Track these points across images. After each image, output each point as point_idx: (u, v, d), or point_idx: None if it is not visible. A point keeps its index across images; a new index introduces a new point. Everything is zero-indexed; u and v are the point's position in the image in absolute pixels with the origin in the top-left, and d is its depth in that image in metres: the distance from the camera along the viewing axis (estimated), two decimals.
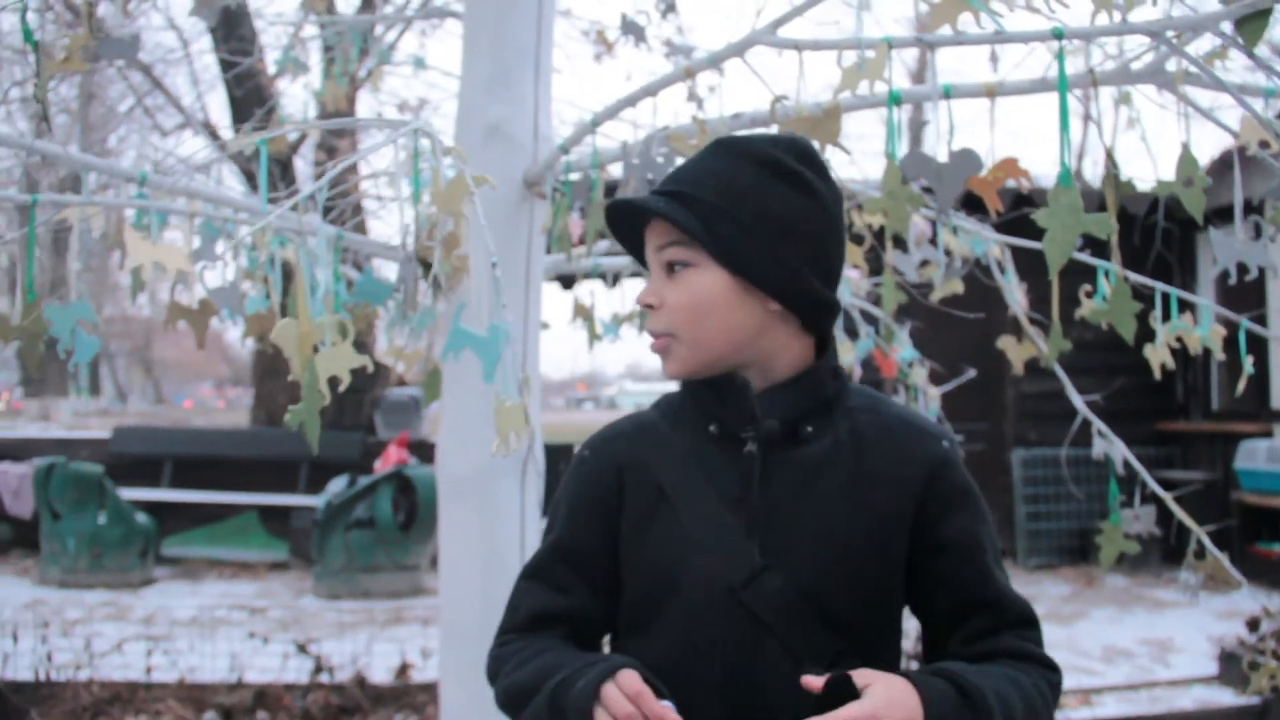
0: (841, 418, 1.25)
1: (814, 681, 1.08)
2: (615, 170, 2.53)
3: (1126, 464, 2.57)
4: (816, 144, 1.79)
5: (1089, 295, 2.45)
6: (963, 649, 1.22)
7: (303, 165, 10.84)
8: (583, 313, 3.20)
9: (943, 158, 1.84)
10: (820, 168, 1.25)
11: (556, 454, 10.34)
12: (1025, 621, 1.24)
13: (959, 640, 1.23)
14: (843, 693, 1.08)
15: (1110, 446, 2.59)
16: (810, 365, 1.26)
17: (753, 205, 1.20)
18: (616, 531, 1.28)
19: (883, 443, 1.24)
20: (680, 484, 1.25)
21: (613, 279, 3.57)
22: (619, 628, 1.30)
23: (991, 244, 3.00)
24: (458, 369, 2.69)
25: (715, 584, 1.20)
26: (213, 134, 10.57)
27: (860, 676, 1.09)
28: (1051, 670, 1.23)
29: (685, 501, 1.24)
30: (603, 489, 1.29)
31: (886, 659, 1.23)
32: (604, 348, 3.31)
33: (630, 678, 1.11)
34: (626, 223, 1.30)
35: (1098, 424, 2.62)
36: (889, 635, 1.26)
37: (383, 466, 8.15)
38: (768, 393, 1.24)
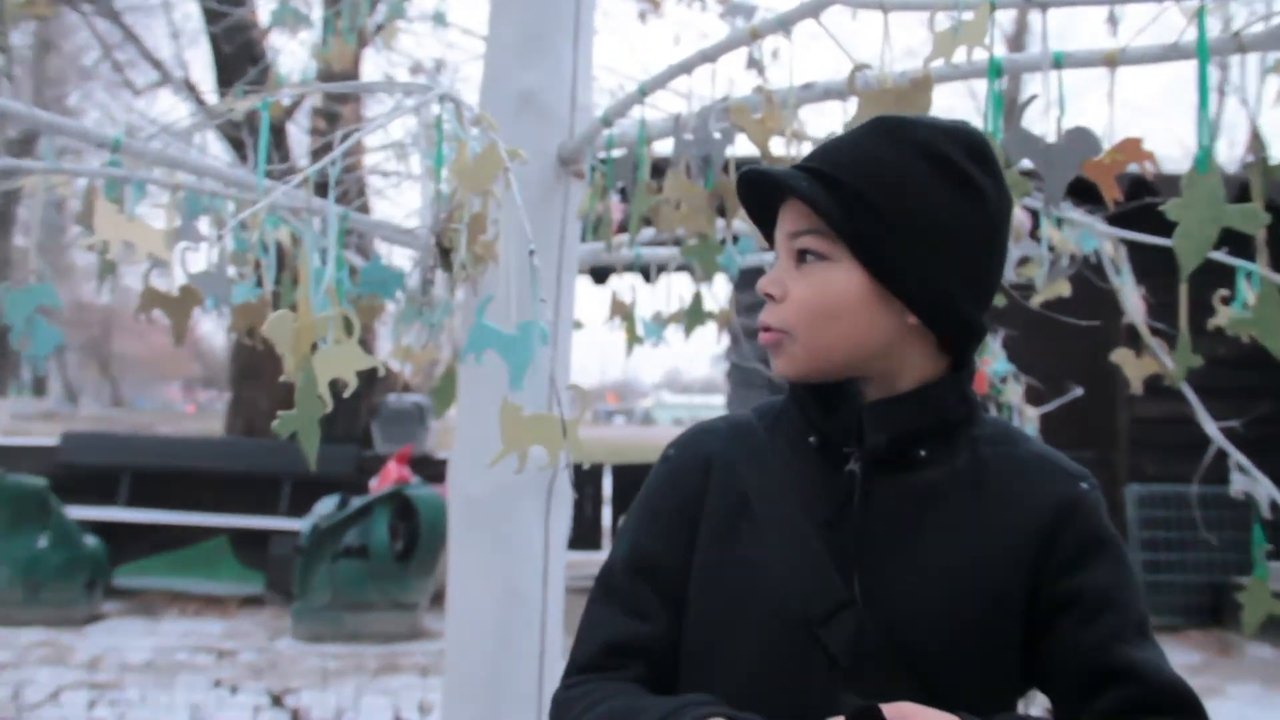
0: (965, 447, 1.29)
1: None
2: (664, 147, 2.56)
3: (1274, 506, 2.53)
4: None
5: (1226, 302, 2.44)
6: None
7: (296, 132, 10.97)
8: (621, 311, 3.24)
9: (1052, 137, 1.85)
10: (993, 168, 1.28)
11: (582, 476, 10.39)
12: (1175, 705, 1.19)
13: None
14: None
15: (1254, 484, 2.56)
16: (933, 380, 1.29)
17: (909, 203, 1.22)
18: (694, 537, 1.33)
19: (1008, 478, 1.27)
20: (767, 496, 1.30)
21: (655, 272, 3.61)
22: (680, 654, 1.33)
23: (1105, 239, 3.01)
24: (476, 373, 2.73)
25: (790, 616, 1.24)
26: (196, 95, 10.71)
27: (895, 710, 1.10)
28: None
29: (770, 517, 1.29)
30: (687, 488, 1.36)
31: None
32: (640, 353, 3.34)
33: None
34: (757, 194, 1.34)
35: (1236, 456, 2.59)
36: (992, 701, 1.24)
37: (380, 485, 8.21)
38: (879, 405, 1.27)
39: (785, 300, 1.28)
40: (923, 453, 1.26)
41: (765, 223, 1.36)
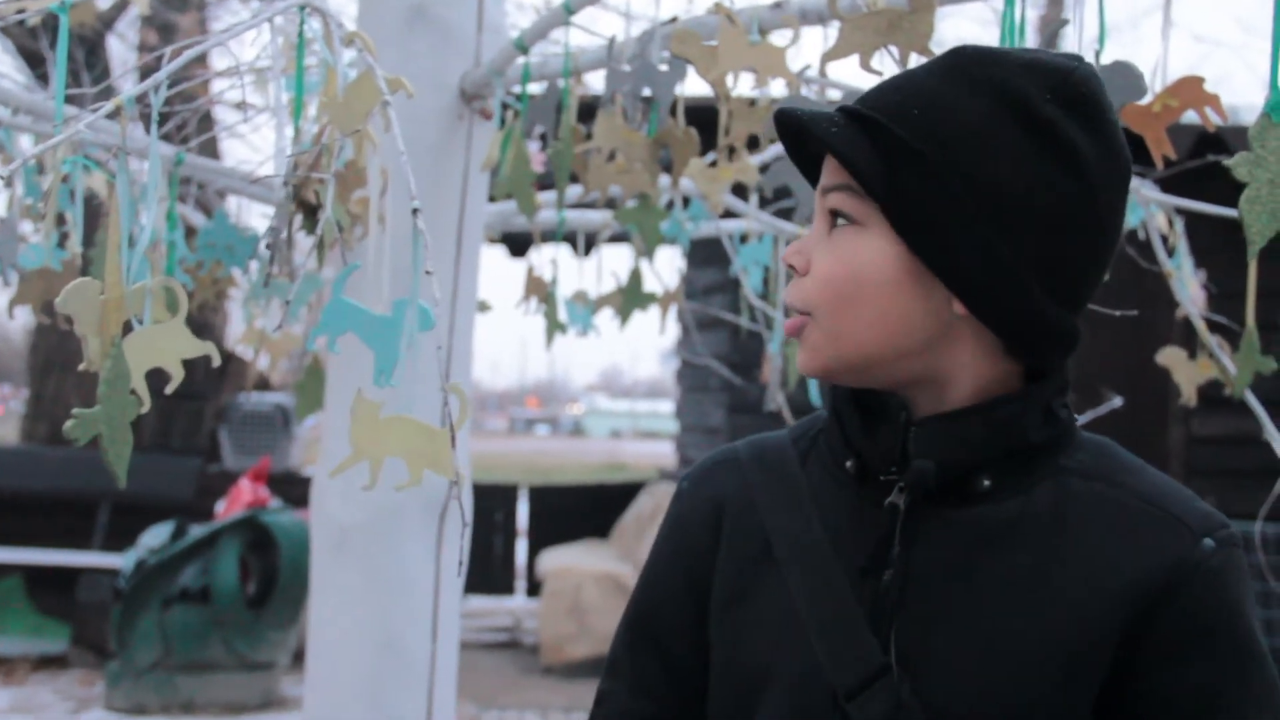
0: (1046, 478, 1.27)
1: None
2: (596, 81, 2.56)
3: None
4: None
5: None
6: None
7: (119, 48, 10.84)
8: (538, 290, 3.23)
9: None
10: (1097, 122, 1.23)
11: (490, 498, 10.36)
12: None
13: None
14: None
15: None
16: (1003, 393, 1.27)
17: (965, 155, 1.21)
18: (706, 595, 1.40)
19: (1101, 524, 1.24)
20: (792, 539, 1.33)
21: (585, 244, 3.60)
22: None
23: (1153, 208, 3.04)
24: (347, 367, 2.71)
25: (814, 687, 1.27)
26: None
27: None
28: None
29: (794, 565, 1.32)
30: (694, 540, 1.42)
31: None
32: (570, 349, 3.33)
33: None
34: (796, 143, 1.34)
35: None
36: None
37: (228, 510, 8.15)
38: (931, 423, 1.27)
39: (808, 274, 1.29)
40: (986, 482, 1.26)
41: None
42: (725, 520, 1.40)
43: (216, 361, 1.56)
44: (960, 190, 1.20)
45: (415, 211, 1.47)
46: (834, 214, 1.27)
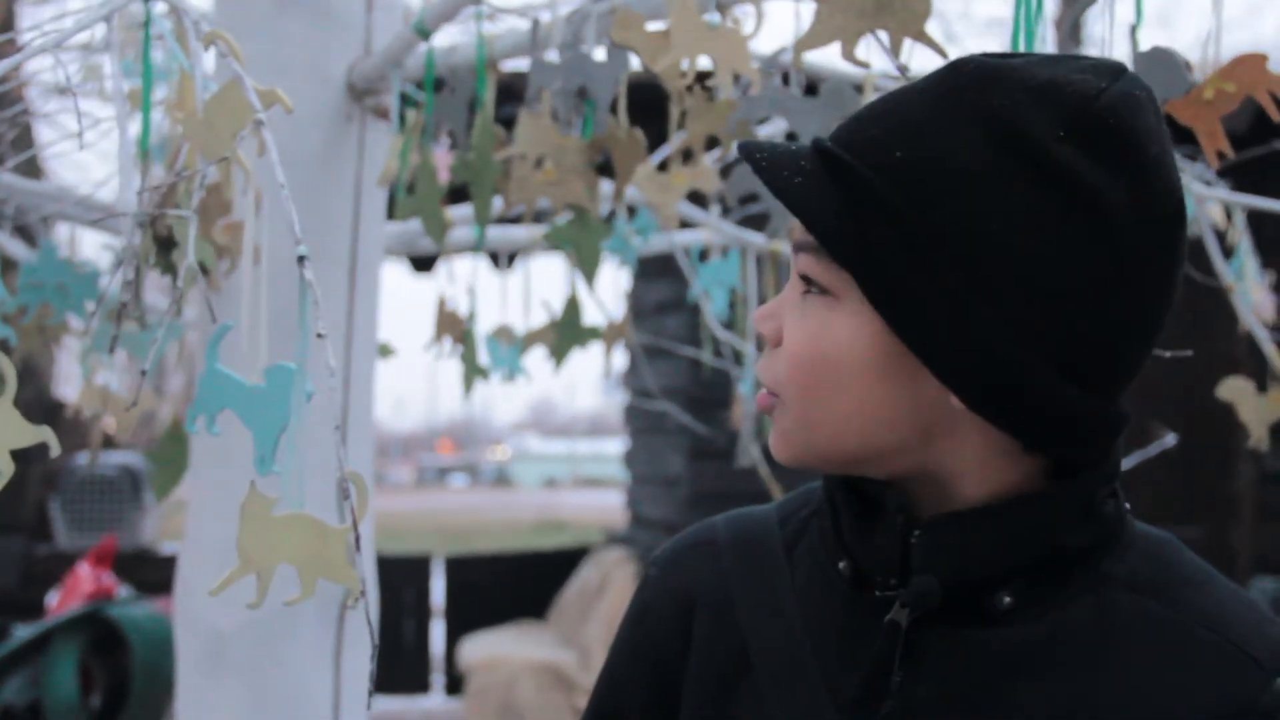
0: (1086, 590, 1.25)
1: None
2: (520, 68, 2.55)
3: None
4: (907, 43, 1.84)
5: None
6: None
7: None
8: (452, 329, 3.20)
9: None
10: (1130, 159, 1.18)
11: (397, 572, 10.26)
12: None
13: None
14: None
15: None
16: (1025, 492, 1.25)
17: (957, 215, 1.17)
18: (676, 707, 1.39)
19: (1149, 652, 1.22)
20: (773, 653, 1.33)
21: (508, 259, 3.60)
22: None
23: (1210, 204, 3.07)
24: (223, 431, 2.70)
25: None
26: None
27: None
28: None
29: (773, 687, 1.31)
30: (661, 642, 1.43)
31: None
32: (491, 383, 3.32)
33: None
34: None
35: None
36: None
37: (63, 603, 8.08)
38: (939, 526, 1.25)
39: (779, 347, 1.28)
40: (1007, 600, 1.24)
41: None
42: (696, 621, 1.40)
43: (56, 451, 1.55)
44: (949, 257, 1.17)
45: (301, 260, 1.45)
46: (805, 277, 1.26)
